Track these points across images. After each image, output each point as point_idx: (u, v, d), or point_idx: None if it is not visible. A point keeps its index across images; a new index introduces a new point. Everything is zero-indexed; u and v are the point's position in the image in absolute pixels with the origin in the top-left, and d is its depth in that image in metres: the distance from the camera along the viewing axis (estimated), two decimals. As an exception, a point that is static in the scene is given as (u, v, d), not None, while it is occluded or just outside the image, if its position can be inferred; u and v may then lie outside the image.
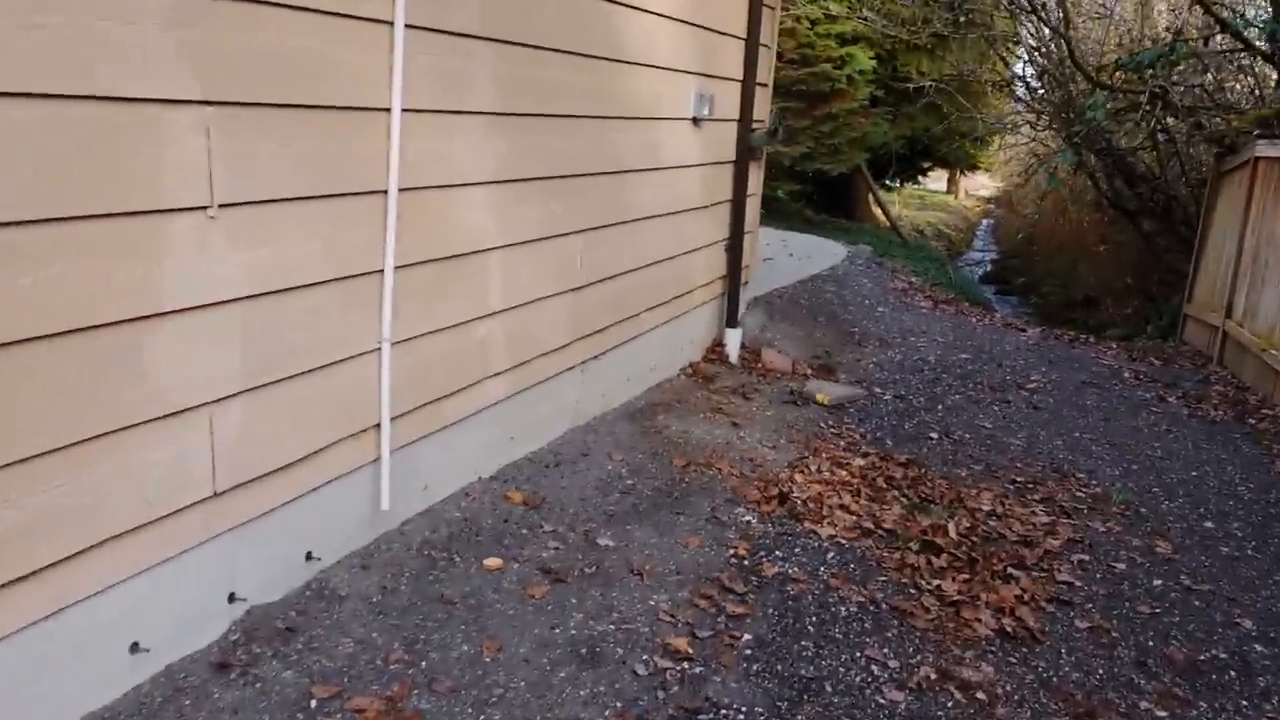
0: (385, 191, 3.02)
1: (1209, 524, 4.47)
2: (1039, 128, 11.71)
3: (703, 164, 5.41)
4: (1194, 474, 5.15)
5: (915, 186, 23.59)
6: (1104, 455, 5.29)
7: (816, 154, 13.93)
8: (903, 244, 15.14)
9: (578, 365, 4.41)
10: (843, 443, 4.95)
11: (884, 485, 4.34)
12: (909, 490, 4.33)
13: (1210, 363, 8.25)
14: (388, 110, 2.98)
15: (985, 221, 26.69)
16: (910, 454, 4.91)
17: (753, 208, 6.28)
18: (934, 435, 5.26)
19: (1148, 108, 9.28)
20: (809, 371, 6.11)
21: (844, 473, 4.43)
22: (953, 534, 3.90)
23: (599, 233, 4.35)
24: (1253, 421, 6.29)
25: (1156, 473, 5.10)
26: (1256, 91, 9.69)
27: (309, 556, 3.01)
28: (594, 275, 4.36)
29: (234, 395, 2.60)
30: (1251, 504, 4.76)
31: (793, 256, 9.50)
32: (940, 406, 5.83)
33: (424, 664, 2.72)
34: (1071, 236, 15.37)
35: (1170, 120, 9.91)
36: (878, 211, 16.97)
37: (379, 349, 3.11)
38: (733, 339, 6.02)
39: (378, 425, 3.17)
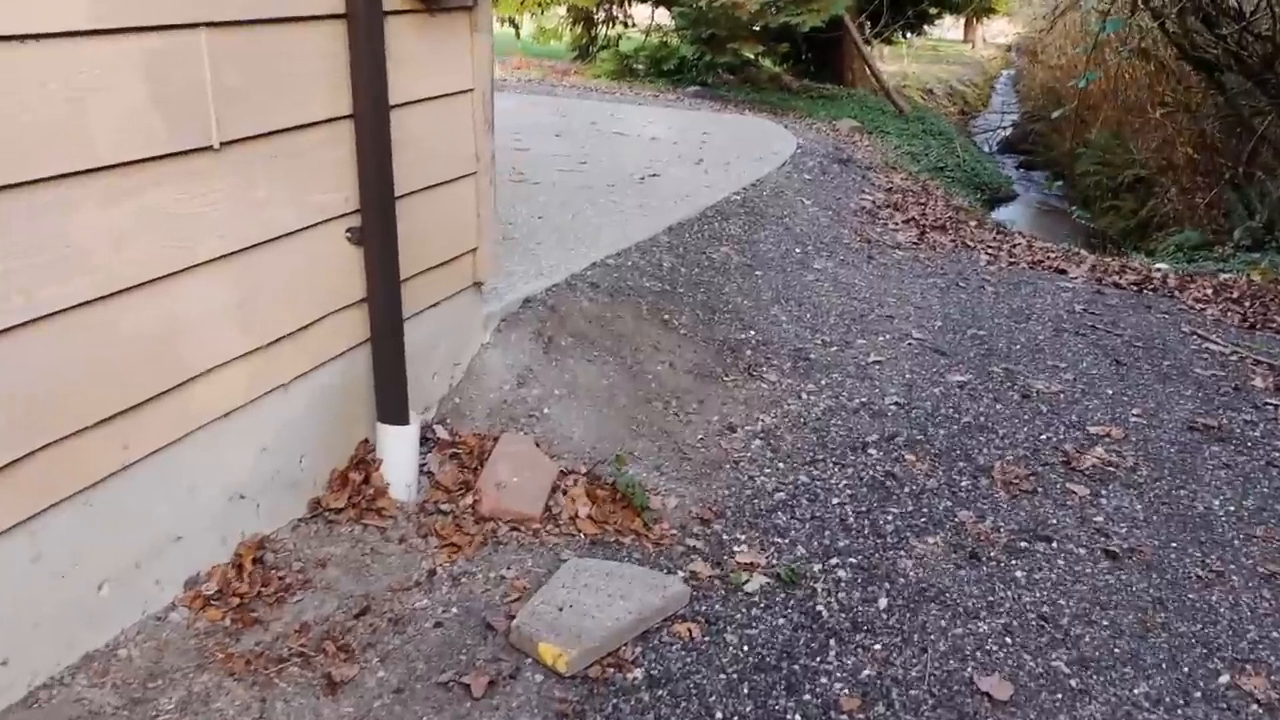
0: None
1: None
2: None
3: (152, 29, 1.72)
4: None
5: (925, 38, 18.98)
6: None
7: (781, 3, 9.86)
8: (898, 114, 11.12)
9: None
10: None
11: None
12: None
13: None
14: None
15: (1005, 73, 22.01)
16: None
17: (444, 121, 2.56)
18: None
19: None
20: (584, 512, 2.45)
21: None
22: None
23: None
24: None
25: None
26: None
27: None
28: None
29: None
30: None
31: (700, 164, 5.69)
32: (884, 600, 2.25)
33: None
34: (1114, 95, 11.15)
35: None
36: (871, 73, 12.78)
37: None
38: (400, 452, 2.39)
39: None
